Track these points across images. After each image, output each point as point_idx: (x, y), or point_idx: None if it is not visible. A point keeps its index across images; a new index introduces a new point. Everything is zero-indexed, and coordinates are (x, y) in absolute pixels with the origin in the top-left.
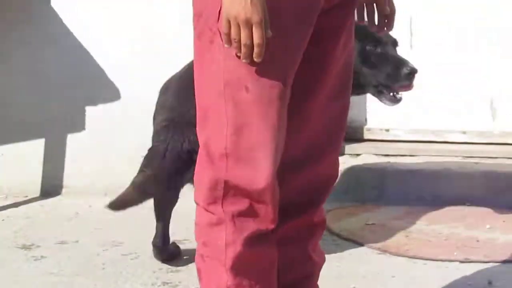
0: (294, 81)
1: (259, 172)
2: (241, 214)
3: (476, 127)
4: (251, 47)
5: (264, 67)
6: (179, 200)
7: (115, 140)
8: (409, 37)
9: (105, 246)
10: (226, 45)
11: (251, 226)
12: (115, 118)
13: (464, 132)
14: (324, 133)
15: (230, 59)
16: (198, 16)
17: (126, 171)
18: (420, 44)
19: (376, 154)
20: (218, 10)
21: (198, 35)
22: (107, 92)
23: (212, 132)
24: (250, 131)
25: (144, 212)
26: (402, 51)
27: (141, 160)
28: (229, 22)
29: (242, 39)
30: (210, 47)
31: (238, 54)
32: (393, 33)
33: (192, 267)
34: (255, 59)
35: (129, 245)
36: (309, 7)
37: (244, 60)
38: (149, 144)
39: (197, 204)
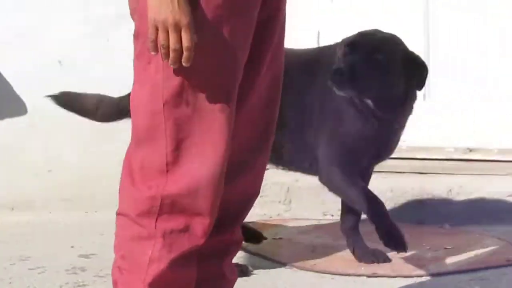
0: None
1: (201, 186)
2: (174, 232)
3: None
4: (180, 51)
5: (205, 80)
6: (86, 214)
7: (21, 154)
8: None
9: (12, 261)
10: (152, 52)
11: (181, 246)
12: (21, 132)
13: None
14: (250, 146)
15: (170, 78)
16: (137, 37)
17: (32, 185)
18: None
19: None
20: None
21: (137, 56)
22: (13, 105)
23: (150, 150)
24: (192, 146)
25: (51, 227)
26: None
27: (48, 174)
28: (156, 28)
29: (171, 43)
30: (147, 67)
31: (165, 61)
32: (300, 47)
33: (99, 281)
34: (184, 64)
35: (36, 260)
36: (252, 14)
37: (172, 66)
38: (55, 157)
39: (122, 215)
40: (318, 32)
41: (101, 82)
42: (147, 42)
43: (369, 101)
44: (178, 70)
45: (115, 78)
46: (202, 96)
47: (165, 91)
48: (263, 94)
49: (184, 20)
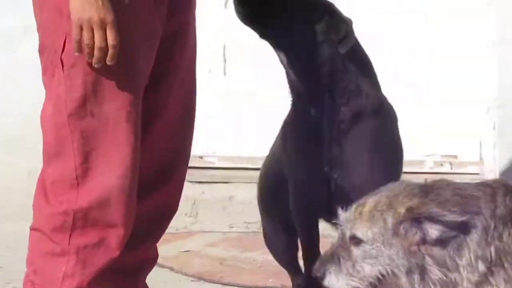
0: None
1: (112, 196)
2: (88, 247)
3: None
4: (105, 49)
5: (108, 90)
6: None
7: None
8: (222, 64)
9: None
10: (76, 53)
11: (96, 260)
12: None
13: None
14: (166, 161)
15: (72, 89)
16: (41, 53)
17: None
18: (234, 71)
19: (190, 181)
20: (62, 41)
21: (44, 71)
22: None
23: (59, 165)
24: (99, 157)
25: None
26: (215, 77)
27: None
28: (81, 28)
29: (97, 41)
30: (51, 81)
31: (90, 60)
32: (206, 60)
33: None
34: (108, 62)
35: None
36: (153, 25)
37: (96, 65)
38: None
39: (35, 230)
40: (224, 46)
41: (7, 94)
42: (52, 55)
43: (281, 55)
44: (80, 82)
45: (22, 91)
46: (106, 107)
47: (69, 104)
48: (178, 108)
49: (109, 17)
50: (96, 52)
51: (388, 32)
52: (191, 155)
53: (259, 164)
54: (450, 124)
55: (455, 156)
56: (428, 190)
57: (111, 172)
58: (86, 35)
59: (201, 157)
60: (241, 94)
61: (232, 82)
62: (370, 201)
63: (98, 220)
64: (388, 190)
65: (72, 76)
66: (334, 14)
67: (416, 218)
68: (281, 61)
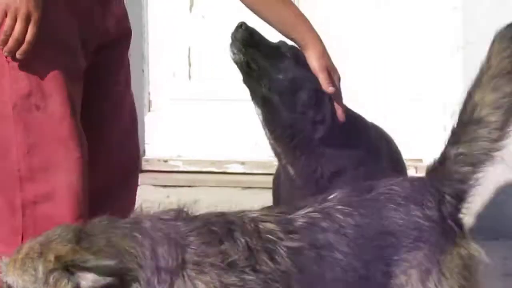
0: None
1: (59, 192)
2: None
3: (255, 157)
4: (20, 42)
5: (52, 84)
6: None
7: None
8: (187, 67)
9: None
10: None
11: None
12: None
13: (243, 163)
14: (122, 169)
15: (17, 81)
16: None
17: None
18: (198, 75)
19: (155, 185)
20: None
21: None
22: None
23: (3, 161)
24: (43, 150)
25: None
26: (180, 81)
27: None
28: (5, 13)
29: (15, 32)
30: None
31: (1, 47)
32: (171, 63)
33: None
34: (18, 56)
35: None
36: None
37: (6, 54)
38: None
39: None
40: (189, 49)
41: None
42: None
43: (259, 112)
44: (23, 74)
45: None
46: (51, 101)
47: (13, 94)
48: (126, 115)
49: (36, 14)
50: (10, 42)
51: (353, 34)
52: (155, 158)
53: (224, 168)
54: (414, 128)
55: (420, 160)
56: (82, 236)
57: (57, 169)
58: (7, 23)
59: (166, 161)
60: (206, 98)
61: (197, 86)
62: (25, 248)
63: (48, 217)
64: (43, 236)
65: (17, 68)
66: (318, 92)
67: (66, 268)
68: (260, 119)
